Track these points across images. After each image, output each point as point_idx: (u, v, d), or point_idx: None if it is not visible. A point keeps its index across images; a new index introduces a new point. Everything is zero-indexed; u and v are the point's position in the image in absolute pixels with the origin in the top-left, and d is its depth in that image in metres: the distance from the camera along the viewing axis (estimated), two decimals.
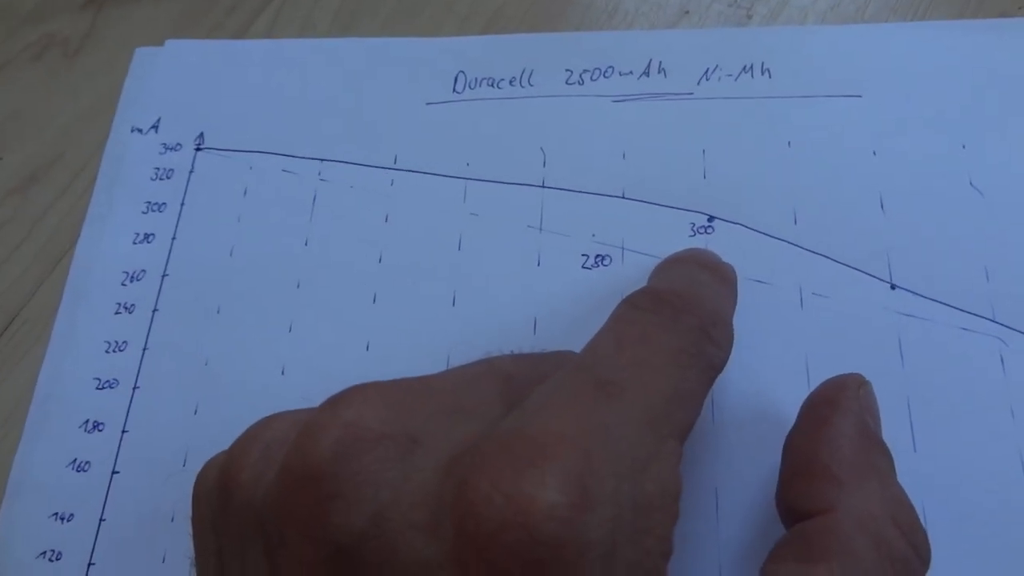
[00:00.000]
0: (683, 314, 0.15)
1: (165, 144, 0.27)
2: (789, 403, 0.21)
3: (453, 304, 0.23)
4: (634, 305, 0.16)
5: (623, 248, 0.23)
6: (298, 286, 0.24)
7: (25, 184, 0.28)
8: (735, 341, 0.21)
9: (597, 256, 0.23)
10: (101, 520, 0.22)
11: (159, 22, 0.30)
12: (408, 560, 0.11)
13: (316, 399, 0.22)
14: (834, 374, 0.21)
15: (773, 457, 0.20)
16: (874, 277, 0.22)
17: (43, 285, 0.26)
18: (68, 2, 0.31)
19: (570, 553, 0.11)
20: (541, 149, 0.25)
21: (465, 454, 0.12)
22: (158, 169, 0.26)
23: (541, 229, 0.24)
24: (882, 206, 0.23)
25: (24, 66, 0.30)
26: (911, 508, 0.15)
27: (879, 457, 0.16)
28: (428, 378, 0.15)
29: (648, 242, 0.23)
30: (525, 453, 0.12)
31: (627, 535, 0.11)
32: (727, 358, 0.16)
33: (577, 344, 0.18)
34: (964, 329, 0.21)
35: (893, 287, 0.22)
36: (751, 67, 0.25)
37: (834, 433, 0.16)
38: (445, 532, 0.11)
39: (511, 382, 0.15)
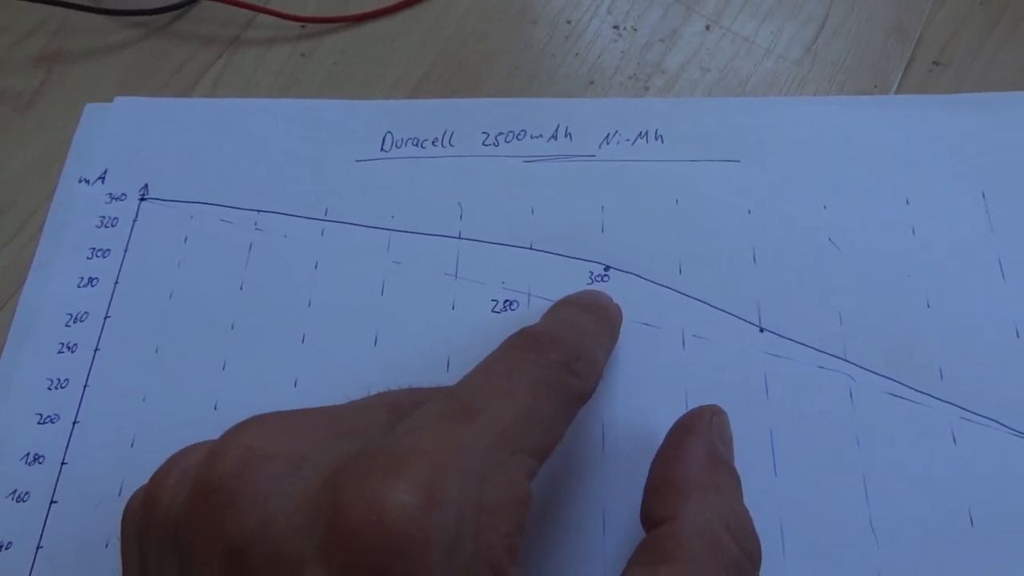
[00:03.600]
0: (549, 351, 0.18)
1: (111, 194, 0.29)
2: None
3: (375, 344, 0.26)
4: (510, 345, 0.18)
5: (529, 294, 0.26)
6: (232, 327, 0.26)
7: None
8: (624, 376, 0.24)
9: (506, 301, 0.26)
10: (39, 547, 0.23)
11: (108, 80, 0.32)
12: (288, 556, 0.14)
13: None
14: None
15: None
16: (746, 321, 0.25)
17: None
18: (22, 59, 0.32)
19: (417, 544, 0.13)
20: (459, 204, 0.28)
21: (342, 466, 0.15)
22: (103, 217, 0.28)
23: (456, 276, 0.26)
24: (754, 259, 0.26)
25: None
26: (746, 518, 0.18)
27: (724, 476, 0.19)
28: (327, 408, 0.17)
29: (552, 289, 0.26)
30: (385, 465, 0.14)
31: (470, 531, 0.14)
32: (592, 388, 0.19)
33: None
34: (820, 367, 0.24)
35: (762, 330, 0.25)
36: (646, 133, 0.29)
37: (685, 454, 0.18)
38: (318, 530, 0.14)
39: (400, 410, 0.17)
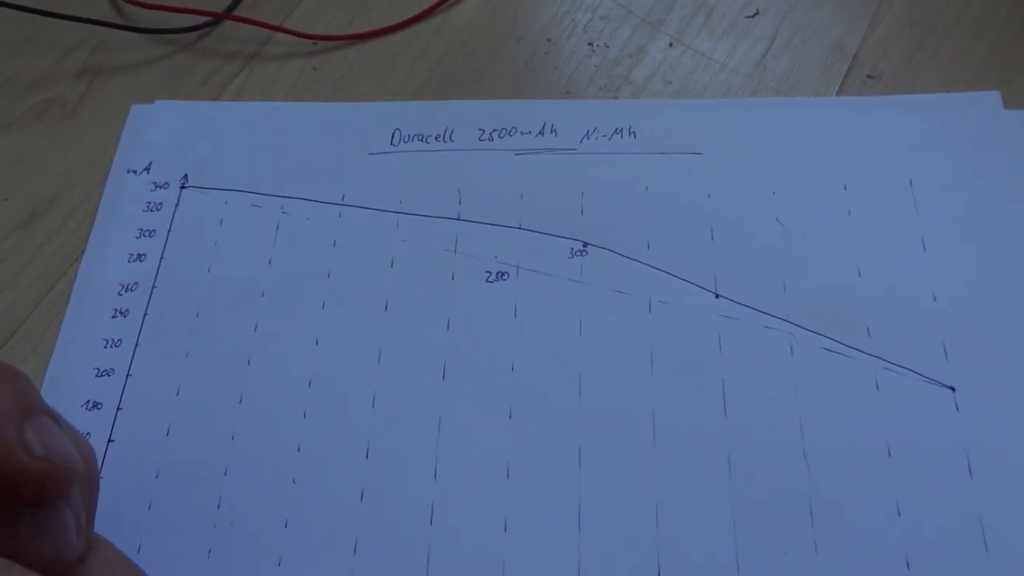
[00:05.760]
0: None
1: (155, 183, 0.33)
2: (637, 388, 0.28)
3: (385, 309, 0.30)
4: None
5: (518, 267, 0.30)
6: (262, 295, 0.30)
7: (28, 220, 0.33)
8: (599, 336, 0.28)
9: (498, 272, 0.30)
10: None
11: (142, 90, 0.36)
12: None
13: (276, 383, 0.29)
14: (672, 362, 0.28)
15: (625, 430, 0.27)
16: (704, 288, 0.29)
17: (41, 303, 0.31)
18: (66, 71, 0.37)
19: None
20: (458, 191, 0.32)
21: None
22: (149, 203, 0.32)
23: (456, 252, 0.31)
24: (712, 236, 0.30)
25: (27, 124, 0.35)
26: None
27: None
28: None
29: (538, 262, 0.30)
30: None
31: None
32: None
33: (484, 336, 0.25)
34: (766, 327, 0.28)
35: (717, 296, 0.29)
36: (621, 130, 0.33)
37: None
38: None
39: None
